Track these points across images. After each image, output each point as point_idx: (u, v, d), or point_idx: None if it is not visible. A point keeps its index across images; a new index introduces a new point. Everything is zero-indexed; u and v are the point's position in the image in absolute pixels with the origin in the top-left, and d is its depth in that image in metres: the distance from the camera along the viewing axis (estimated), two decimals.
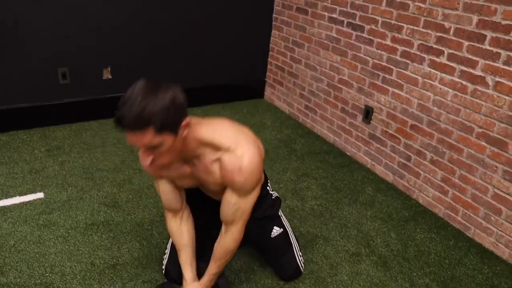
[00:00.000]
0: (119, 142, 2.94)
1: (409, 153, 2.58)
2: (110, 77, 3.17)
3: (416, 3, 2.38)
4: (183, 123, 1.28)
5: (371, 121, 2.80)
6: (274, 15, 3.58)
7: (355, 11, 2.78)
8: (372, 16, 2.66)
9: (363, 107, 2.85)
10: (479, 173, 2.23)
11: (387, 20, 2.57)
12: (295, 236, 1.93)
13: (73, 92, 3.10)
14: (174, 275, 1.78)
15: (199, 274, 1.67)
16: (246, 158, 1.41)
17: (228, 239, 1.56)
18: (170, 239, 1.85)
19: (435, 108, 2.39)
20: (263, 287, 1.87)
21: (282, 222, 1.87)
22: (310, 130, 3.37)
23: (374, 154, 2.83)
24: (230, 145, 1.41)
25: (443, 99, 2.34)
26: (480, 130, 2.19)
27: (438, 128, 2.39)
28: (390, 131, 2.68)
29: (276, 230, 1.83)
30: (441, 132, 2.38)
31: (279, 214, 1.89)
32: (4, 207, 2.26)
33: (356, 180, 2.73)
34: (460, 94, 2.25)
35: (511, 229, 2.13)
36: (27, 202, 2.31)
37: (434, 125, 2.41)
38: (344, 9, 2.86)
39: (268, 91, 3.84)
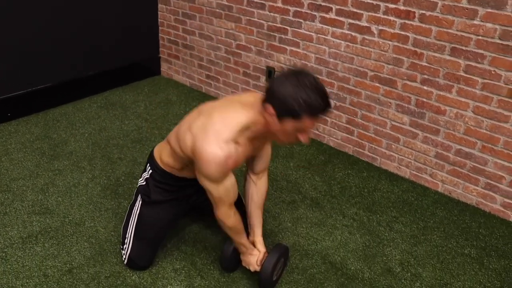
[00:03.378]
0: (24, 146, 2.75)
1: None
2: None
3: None
4: None
5: None
6: None
7: None
8: None
9: (264, 68, 3.04)
10: (377, 110, 2.58)
11: None
12: None
13: None
14: (140, 262, 1.84)
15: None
16: None
17: (263, 184, 1.87)
18: (129, 229, 1.88)
19: (331, 60, 2.66)
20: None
21: None
22: (216, 98, 3.49)
23: None
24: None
25: (337, 51, 2.62)
26: (373, 73, 2.52)
27: (336, 77, 2.68)
28: None
29: None
30: (340, 80, 2.67)
31: None
32: None
33: None
34: (352, 44, 2.54)
35: (409, 152, 2.54)
36: None
37: (333, 74, 2.69)
38: None
39: (164, 67, 3.83)
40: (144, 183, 1.88)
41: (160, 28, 3.67)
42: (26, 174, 2.51)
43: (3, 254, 1.98)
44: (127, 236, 1.88)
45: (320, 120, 1.42)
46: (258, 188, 1.86)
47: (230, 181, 1.58)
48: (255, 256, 1.80)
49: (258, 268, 1.78)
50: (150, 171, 1.86)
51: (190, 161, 1.63)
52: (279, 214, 2.25)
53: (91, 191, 2.38)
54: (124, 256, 1.89)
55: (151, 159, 1.88)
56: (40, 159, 2.64)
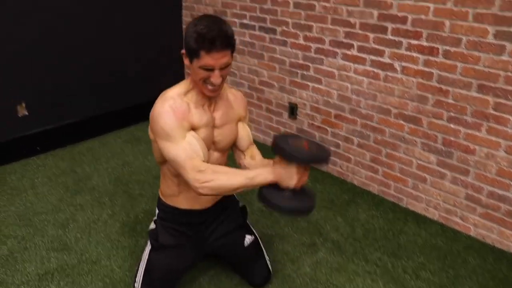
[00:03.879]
0: (50, 180, 2.81)
1: (337, 141, 2.79)
2: (26, 113, 2.99)
3: (322, 3, 2.57)
4: None
5: (297, 117, 2.97)
6: (184, 26, 3.60)
7: (265, 15, 2.92)
8: (282, 18, 2.81)
9: (287, 104, 3.01)
10: (402, 149, 2.49)
11: (297, 21, 2.74)
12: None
13: None
14: None
15: None
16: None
17: (257, 151, 1.84)
18: (139, 275, 1.84)
19: (354, 96, 2.61)
20: None
21: (252, 229, 1.97)
22: None
23: None
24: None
25: (359, 87, 2.56)
26: (397, 111, 2.44)
27: (359, 114, 2.62)
28: (316, 123, 2.87)
29: (249, 238, 1.91)
30: (363, 117, 2.60)
31: (248, 222, 1.98)
32: None
33: None
34: (374, 81, 2.48)
35: (437, 193, 2.41)
36: None
37: (356, 112, 2.63)
38: (254, 14, 2.98)
39: None
40: (154, 226, 1.86)
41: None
42: (49, 209, 2.54)
43: None
44: (137, 280, 1.84)
45: (216, 56, 1.45)
46: (253, 154, 1.82)
47: (189, 138, 1.56)
48: (282, 166, 1.48)
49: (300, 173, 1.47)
50: (157, 211, 1.85)
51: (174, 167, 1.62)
52: (298, 257, 2.17)
53: (110, 228, 2.37)
54: None
55: (158, 199, 1.88)
56: (63, 194, 2.68)
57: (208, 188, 1.48)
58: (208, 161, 1.64)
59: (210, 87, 1.53)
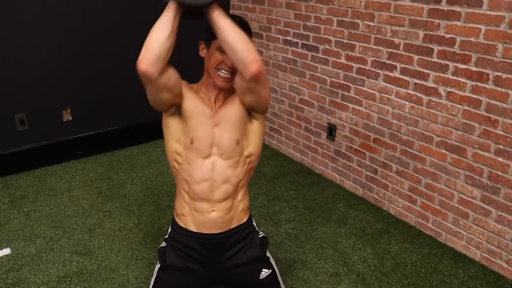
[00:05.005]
0: (85, 184, 2.88)
1: (375, 166, 2.64)
2: (71, 118, 3.11)
3: (365, 22, 2.46)
4: None
5: (336, 138, 2.86)
6: None
7: (308, 33, 2.85)
8: (325, 36, 2.73)
9: (326, 124, 2.90)
10: (443, 180, 2.30)
11: (339, 39, 2.65)
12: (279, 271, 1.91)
13: (33, 137, 3.02)
14: None
15: None
16: None
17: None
18: (151, 280, 1.80)
19: (395, 121, 2.46)
20: None
21: (271, 263, 1.84)
22: (277, 151, 3.40)
23: (342, 170, 2.88)
24: None
25: (401, 112, 2.41)
26: (439, 139, 2.27)
27: (400, 140, 2.46)
28: (354, 146, 2.74)
29: (265, 272, 1.80)
30: (403, 143, 2.45)
31: (268, 255, 1.86)
32: None
33: (327, 198, 2.76)
34: (417, 106, 2.33)
35: (479, 231, 2.20)
36: None
37: (396, 137, 2.48)
38: (297, 31, 2.92)
39: None
40: (164, 244, 1.82)
41: None
42: (80, 213, 2.60)
43: None
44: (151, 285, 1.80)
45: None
46: None
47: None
48: None
49: None
50: (170, 229, 1.80)
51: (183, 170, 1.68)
52: (317, 286, 2.04)
53: (133, 237, 2.37)
54: None
55: (172, 217, 1.84)
56: (95, 199, 2.73)
57: (145, 51, 1.47)
58: (213, 173, 1.67)
59: (223, 73, 1.60)
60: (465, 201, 2.23)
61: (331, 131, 2.86)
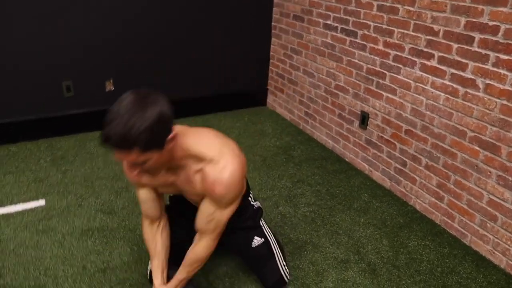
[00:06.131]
0: None
1: (404, 159, 2.55)
2: (113, 88, 3.25)
3: (406, 7, 2.36)
4: (169, 137, 1.30)
5: (367, 127, 2.78)
6: (273, 23, 3.60)
7: (348, 17, 2.78)
8: (364, 21, 2.65)
9: (359, 112, 2.83)
10: (473, 179, 2.18)
11: (378, 24, 2.56)
12: (279, 245, 1.91)
13: (78, 104, 3.20)
14: None
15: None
16: (228, 170, 1.42)
17: (200, 248, 1.59)
18: None
19: (428, 113, 2.35)
20: None
21: (264, 232, 1.87)
22: (310, 136, 3.36)
23: (371, 160, 2.80)
24: (214, 157, 1.43)
25: (435, 103, 2.30)
26: (473, 134, 2.14)
27: (431, 132, 2.35)
28: (385, 137, 2.65)
29: (257, 240, 1.83)
30: (435, 136, 2.34)
31: (261, 224, 1.89)
32: (8, 214, 2.34)
33: (353, 187, 2.70)
34: (452, 98, 2.21)
35: (507, 237, 2.06)
36: (29, 209, 2.39)
37: (428, 129, 2.37)
38: (338, 15, 2.86)
39: (270, 99, 3.86)
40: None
41: (270, 61, 3.72)
42: (110, 176, 2.72)
43: (62, 240, 2.17)
44: None
45: (116, 153, 1.27)
46: (193, 251, 1.62)
47: (142, 195, 1.65)
48: None
49: None
50: None
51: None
52: (324, 270, 2.01)
53: None
54: (148, 270, 1.89)
55: None
56: None
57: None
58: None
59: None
60: (494, 202, 2.10)
61: (364, 119, 2.78)
